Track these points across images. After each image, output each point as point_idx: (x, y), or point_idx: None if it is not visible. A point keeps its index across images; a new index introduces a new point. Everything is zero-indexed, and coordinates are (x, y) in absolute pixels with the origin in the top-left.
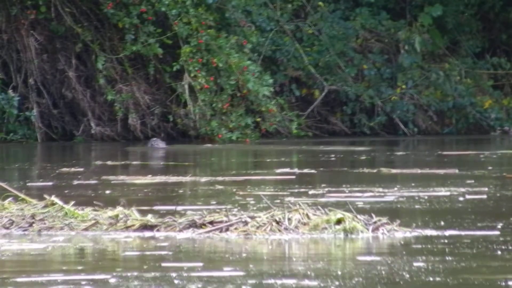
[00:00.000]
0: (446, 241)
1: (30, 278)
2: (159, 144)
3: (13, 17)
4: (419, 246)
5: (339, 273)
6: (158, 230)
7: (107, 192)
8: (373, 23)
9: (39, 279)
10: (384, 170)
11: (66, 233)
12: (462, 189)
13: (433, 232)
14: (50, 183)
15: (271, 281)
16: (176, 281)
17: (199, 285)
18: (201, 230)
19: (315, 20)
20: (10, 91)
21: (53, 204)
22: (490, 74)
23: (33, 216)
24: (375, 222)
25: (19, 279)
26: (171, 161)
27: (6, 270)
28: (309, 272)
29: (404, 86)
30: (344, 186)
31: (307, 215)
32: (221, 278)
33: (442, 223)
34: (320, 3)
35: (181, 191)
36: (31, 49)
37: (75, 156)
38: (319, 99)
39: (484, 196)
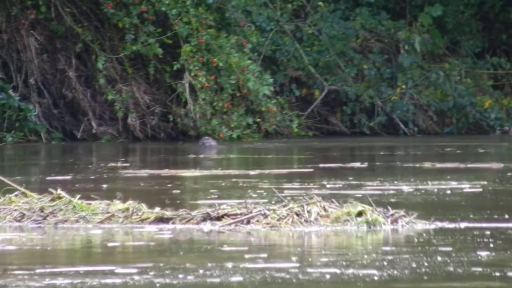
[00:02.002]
0: (475, 232)
1: (73, 268)
2: (211, 142)
3: (13, 17)
4: (448, 237)
5: (391, 263)
6: (173, 223)
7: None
8: (373, 23)
9: (84, 268)
10: (427, 164)
11: (83, 226)
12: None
13: (452, 225)
14: (68, 177)
15: (331, 270)
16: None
17: (268, 275)
18: (220, 223)
19: (315, 20)
20: (10, 91)
21: (59, 197)
22: (490, 74)
23: (42, 210)
24: (392, 215)
25: (53, 270)
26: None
27: (37, 261)
28: (364, 262)
29: (404, 86)
30: (373, 180)
31: (324, 208)
32: (280, 269)
33: (462, 214)
34: (320, 3)
35: (210, 184)
36: (31, 49)
37: (122, 153)
38: (319, 99)
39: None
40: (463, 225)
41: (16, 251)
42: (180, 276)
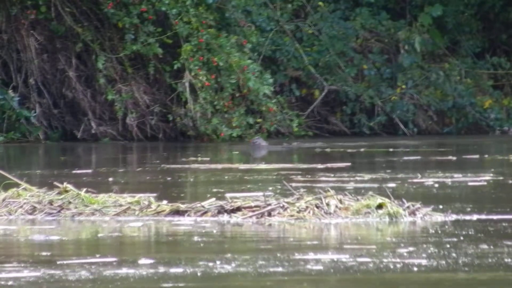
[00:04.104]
0: (504, 224)
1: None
2: (261, 142)
3: (13, 17)
4: (474, 228)
5: (443, 253)
6: (188, 215)
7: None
8: (373, 23)
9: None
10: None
11: (99, 218)
12: None
13: (472, 217)
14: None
15: (372, 260)
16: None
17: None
18: (240, 215)
19: (315, 20)
20: (10, 91)
21: (66, 191)
22: (490, 74)
23: (51, 203)
24: (408, 207)
25: (98, 260)
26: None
27: (78, 253)
28: (415, 252)
29: (404, 86)
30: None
31: (340, 200)
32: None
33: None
34: (320, 3)
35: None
36: (31, 49)
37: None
38: (319, 99)
39: None
40: (494, 217)
41: (56, 242)
42: (234, 264)
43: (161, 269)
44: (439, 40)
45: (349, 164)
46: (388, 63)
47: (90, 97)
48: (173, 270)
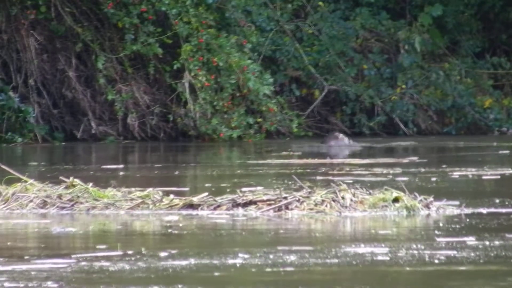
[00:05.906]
0: None
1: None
2: (344, 139)
3: (13, 17)
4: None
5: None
6: (201, 209)
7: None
8: (373, 23)
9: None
10: None
11: (114, 212)
12: None
13: (485, 210)
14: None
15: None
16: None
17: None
18: (256, 208)
19: (315, 20)
20: (10, 91)
21: (73, 185)
22: (490, 74)
23: (60, 197)
24: (421, 200)
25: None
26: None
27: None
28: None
29: (404, 86)
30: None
31: (353, 194)
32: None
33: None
34: (320, 3)
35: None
36: (31, 49)
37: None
38: (319, 99)
39: None
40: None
41: (84, 235)
42: (297, 256)
43: (206, 260)
44: (439, 40)
45: (415, 158)
46: (388, 63)
47: (90, 97)
48: (224, 261)
